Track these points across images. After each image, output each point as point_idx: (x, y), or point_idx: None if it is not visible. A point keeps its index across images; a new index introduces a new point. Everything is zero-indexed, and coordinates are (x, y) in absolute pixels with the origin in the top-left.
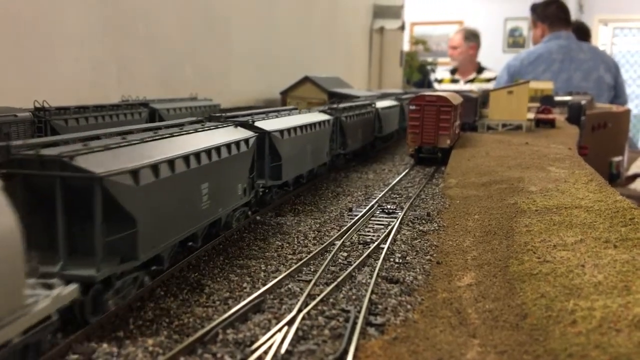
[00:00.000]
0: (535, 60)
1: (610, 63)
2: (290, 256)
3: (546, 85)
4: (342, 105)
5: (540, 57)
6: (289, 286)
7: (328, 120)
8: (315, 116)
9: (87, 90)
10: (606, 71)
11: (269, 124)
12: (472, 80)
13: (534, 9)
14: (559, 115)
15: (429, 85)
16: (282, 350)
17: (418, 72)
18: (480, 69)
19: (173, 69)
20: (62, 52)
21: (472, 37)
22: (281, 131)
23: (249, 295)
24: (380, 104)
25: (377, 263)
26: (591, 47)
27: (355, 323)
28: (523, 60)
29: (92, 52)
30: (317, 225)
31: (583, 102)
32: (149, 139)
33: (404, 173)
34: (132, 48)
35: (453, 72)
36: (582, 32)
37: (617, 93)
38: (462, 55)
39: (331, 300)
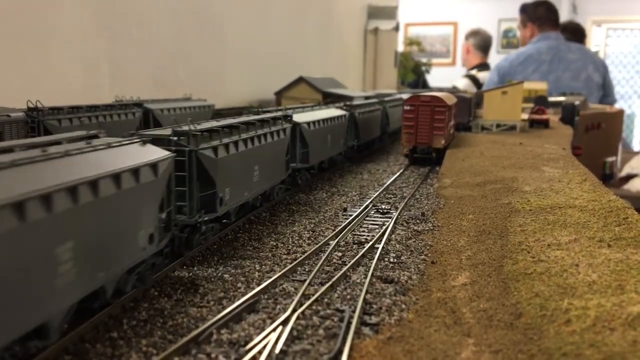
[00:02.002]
0: (524, 61)
1: (598, 63)
2: (284, 256)
3: (540, 86)
4: (205, 126)
5: (529, 57)
6: (284, 286)
7: (155, 165)
8: (125, 155)
9: (81, 90)
10: (595, 71)
11: None
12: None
13: (524, 9)
14: (552, 116)
15: (424, 85)
16: (277, 350)
17: (412, 73)
18: (471, 69)
19: (167, 69)
20: (56, 52)
21: (469, 37)
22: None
23: (243, 295)
24: (306, 116)
25: (371, 263)
26: (580, 47)
27: (349, 323)
28: (512, 61)
29: (85, 53)
30: (312, 225)
31: (577, 102)
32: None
33: (398, 173)
34: (126, 48)
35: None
36: (578, 33)
37: (606, 92)
38: (463, 55)
39: (326, 300)
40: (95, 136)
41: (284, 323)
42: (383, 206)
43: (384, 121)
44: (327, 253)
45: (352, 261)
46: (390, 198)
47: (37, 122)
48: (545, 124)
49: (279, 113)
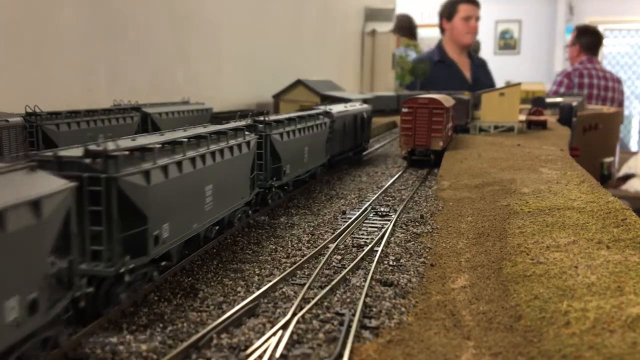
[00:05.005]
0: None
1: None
2: (284, 260)
3: (538, 87)
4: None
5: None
6: (283, 290)
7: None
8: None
9: (79, 94)
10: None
11: None
12: None
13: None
14: (550, 117)
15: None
16: (277, 354)
17: (410, 75)
18: None
19: (164, 73)
20: (54, 56)
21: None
22: None
23: (243, 299)
24: None
25: (371, 266)
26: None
27: (349, 326)
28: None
29: (83, 57)
30: (311, 229)
31: (574, 103)
32: None
33: (397, 175)
34: (123, 52)
35: None
36: (597, 36)
37: None
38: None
39: (325, 303)
40: None
41: (284, 327)
42: (382, 209)
43: (259, 169)
44: (326, 256)
45: (352, 264)
46: (389, 200)
47: (35, 127)
48: (543, 125)
49: None
